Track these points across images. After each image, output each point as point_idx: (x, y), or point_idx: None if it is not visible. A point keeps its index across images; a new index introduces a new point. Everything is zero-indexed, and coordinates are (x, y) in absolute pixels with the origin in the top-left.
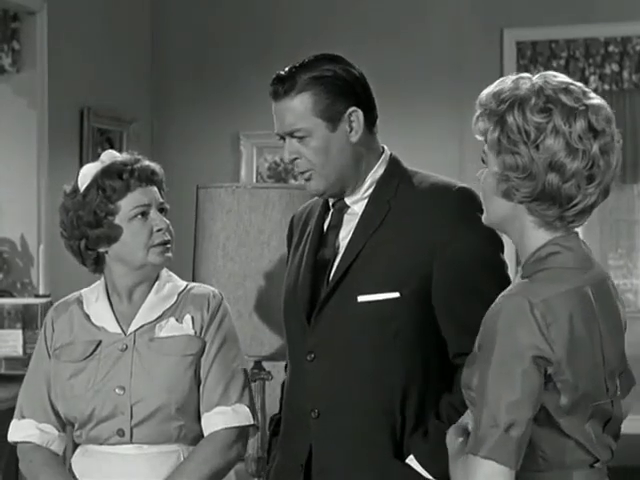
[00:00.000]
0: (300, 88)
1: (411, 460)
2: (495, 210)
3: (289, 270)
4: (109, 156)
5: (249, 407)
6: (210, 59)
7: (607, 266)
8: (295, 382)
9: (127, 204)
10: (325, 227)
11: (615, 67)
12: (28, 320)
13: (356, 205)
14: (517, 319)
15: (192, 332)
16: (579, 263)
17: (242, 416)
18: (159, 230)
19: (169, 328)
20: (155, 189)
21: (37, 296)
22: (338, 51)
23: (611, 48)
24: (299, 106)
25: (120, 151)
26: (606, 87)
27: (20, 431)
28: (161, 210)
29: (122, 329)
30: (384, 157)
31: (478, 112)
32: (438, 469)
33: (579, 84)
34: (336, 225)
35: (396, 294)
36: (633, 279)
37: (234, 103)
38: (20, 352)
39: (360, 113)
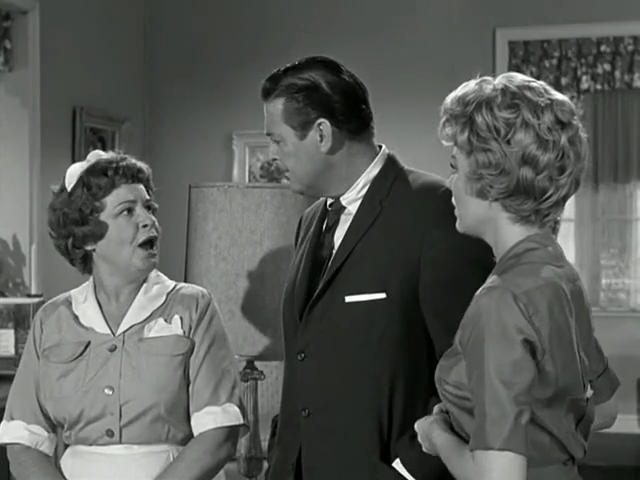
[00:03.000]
0: (277, 93)
1: (397, 464)
2: (469, 211)
3: (290, 269)
4: (95, 155)
5: (239, 407)
6: (203, 59)
7: (599, 266)
8: (288, 381)
9: (112, 201)
10: (324, 227)
11: (607, 67)
12: (20, 320)
13: (351, 205)
14: (503, 309)
15: (181, 332)
16: (554, 259)
17: (232, 416)
18: (145, 226)
19: (158, 328)
20: (141, 187)
21: (29, 296)
22: (330, 52)
23: (603, 48)
24: (273, 111)
25: (113, 151)
26: (598, 87)
27: (9, 433)
28: (148, 208)
29: (111, 330)
30: (380, 157)
31: (444, 118)
32: (424, 475)
33: (540, 82)
34: (333, 225)
35: (382, 295)
36: (625, 279)
37: (227, 103)
38: (12, 352)
39: (328, 125)
